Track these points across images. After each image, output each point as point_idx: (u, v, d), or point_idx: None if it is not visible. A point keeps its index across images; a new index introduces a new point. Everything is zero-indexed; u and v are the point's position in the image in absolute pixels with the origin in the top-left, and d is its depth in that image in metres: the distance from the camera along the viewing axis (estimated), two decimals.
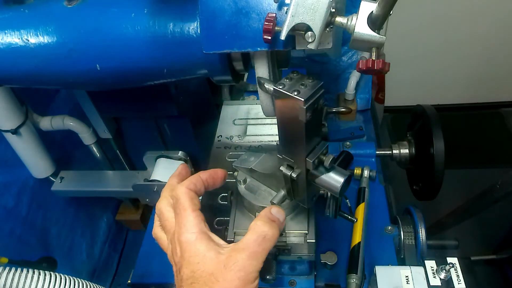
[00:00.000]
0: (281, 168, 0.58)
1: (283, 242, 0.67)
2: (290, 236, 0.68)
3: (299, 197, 0.62)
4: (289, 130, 0.53)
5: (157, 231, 0.56)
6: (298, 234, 0.68)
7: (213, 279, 0.45)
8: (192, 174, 1.02)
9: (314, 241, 0.66)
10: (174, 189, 0.54)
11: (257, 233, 0.49)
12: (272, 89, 0.51)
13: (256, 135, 0.93)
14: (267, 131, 0.93)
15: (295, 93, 0.47)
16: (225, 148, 0.90)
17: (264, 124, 0.96)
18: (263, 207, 0.63)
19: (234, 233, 0.66)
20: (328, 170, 0.56)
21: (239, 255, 0.47)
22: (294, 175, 0.57)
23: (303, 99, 0.46)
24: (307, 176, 0.57)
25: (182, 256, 0.48)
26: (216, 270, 0.46)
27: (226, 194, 0.74)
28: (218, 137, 0.93)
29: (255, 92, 1.25)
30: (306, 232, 0.67)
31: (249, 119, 0.98)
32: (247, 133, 0.94)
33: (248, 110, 1.01)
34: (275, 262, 0.70)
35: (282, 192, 0.63)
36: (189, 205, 0.51)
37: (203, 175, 0.58)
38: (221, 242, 0.50)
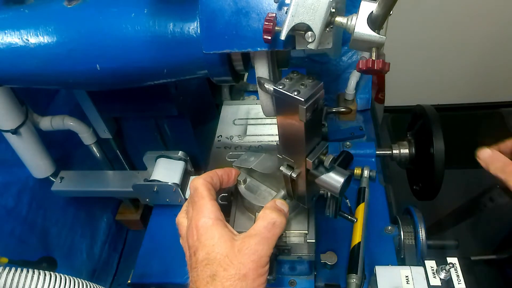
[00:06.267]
0: (281, 168, 0.58)
1: (283, 242, 0.67)
2: (290, 236, 0.68)
3: (299, 197, 0.62)
4: (289, 130, 0.53)
5: (181, 217, 0.59)
6: (298, 234, 0.68)
7: (228, 261, 0.48)
8: (193, 174, 1.03)
9: (314, 241, 0.66)
10: (192, 181, 0.57)
11: (267, 220, 0.52)
12: (272, 89, 0.51)
13: (256, 135, 0.93)
14: (267, 131, 0.93)
15: (295, 93, 0.47)
16: (225, 148, 0.90)
17: (264, 124, 0.96)
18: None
19: None
20: (328, 170, 0.56)
21: (251, 240, 0.50)
22: (294, 175, 0.57)
23: (303, 99, 0.46)
24: (307, 176, 0.57)
25: (198, 239, 0.51)
26: (230, 253, 0.49)
27: (226, 194, 0.74)
28: (218, 137, 0.93)
29: (255, 92, 1.25)
30: (306, 232, 0.67)
31: (249, 119, 0.98)
32: (247, 133, 0.94)
33: (248, 110, 1.01)
34: (275, 262, 0.70)
35: (282, 192, 0.63)
36: (206, 194, 0.55)
37: (219, 171, 0.62)
38: (235, 231, 0.53)
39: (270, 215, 0.53)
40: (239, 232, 0.53)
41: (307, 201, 0.62)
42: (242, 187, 0.68)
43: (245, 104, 1.04)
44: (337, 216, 0.68)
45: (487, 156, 0.67)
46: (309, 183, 0.58)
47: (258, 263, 0.49)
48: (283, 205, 0.57)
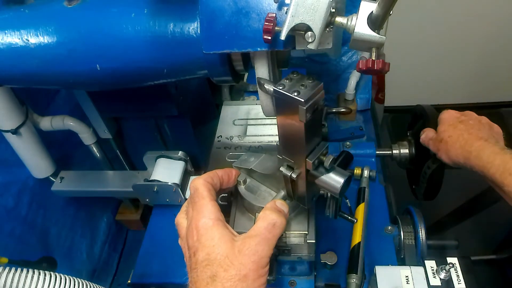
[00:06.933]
0: (281, 168, 0.58)
1: (283, 242, 0.67)
2: (290, 237, 0.68)
3: (299, 197, 0.62)
4: (289, 131, 0.53)
5: (180, 217, 0.58)
6: (298, 234, 0.68)
7: (228, 262, 0.48)
8: (193, 174, 1.03)
9: (314, 241, 0.66)
10: (192, 181, 0.57)
11: (267, 221, 0.52)
12: (272, 89, 0.51)
13: (256, 136, 0.93)
14: (267, 132, 0.93)
15: (295, 94, 0.47)
16: (225, 149, 0.89)
17: (264, 124, 0.95)
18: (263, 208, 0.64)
19: None
20: (328, 170, 0.56)
21: (252, 241, 0.50)
22: (294, 175, 0.57)
23: (303, 100, 0.46)
24: (307, 176, 0.57)
25: (199, 240, 0.51)
26: (230, 254, 0.49)
27: (226, 195, 0.73)
28: (218, 137, 0.93)
29: (255, 93, 1.25)
30: (306, 232, 0.67)
31: (249, 119, 0.98)
32: (247, 134, 0.93)
33: (248, 111, 1.01)
34: (276, 263, 0.69)
35: (282, 193, 0.63)
36: (207, 195, 0.54)
37: (219, 172, 0.61)
38: (235, 232, 0.53)
39: (270, 216, 0.53)
40: (239, 233, 0.53)
41: (307, 201, 0.62)
42: (242, 188, 0.68)
43: (245, 105, 1.03)
44: (337, 217, 0.67)
45: (421, 135, 0.89)
46: (309, 184, 0.58)
47: (259, 264, 0.49)
48: (283, 205, 0.57)
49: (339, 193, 0.56)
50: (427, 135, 0.87)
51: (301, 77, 0.50)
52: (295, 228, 0.68)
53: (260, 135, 0.93)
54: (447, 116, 0.84)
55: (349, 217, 0.69)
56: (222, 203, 0.74)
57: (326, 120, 1.14)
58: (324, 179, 0.56)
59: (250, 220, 0.68)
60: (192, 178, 0.99)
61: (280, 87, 0.49)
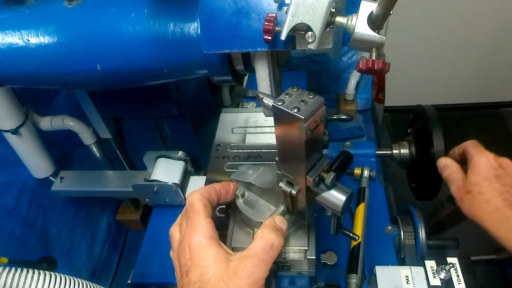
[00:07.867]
0: (280, 184, 0.56)
1: (282, 258, 0.64)
2: (289, 252, 0.64)
3: (299, 212, 0.60)
4: (288, 147, 0.51)
5: (174, 230, 0.57)
6: (298, 250, 0.64)
7: (223, 284, 0.46)
8: (193, 174, 1.02)
9: (314, 257, 0.63)
10: (189, 196, 0.55)
11: (265, 241, 0.50)
12: (271, 104, 0.49)
13: (255, 144, 0.90)
14: (267, 140, 0.89)
15: (295, 111, 0.45)
16: (223, 158, 0.87)
17: (264, 132, 0.92)
18: (262, 223, 0.60)
19: (232, 248, 0.63)
20: (329, 187, 0.54)
21: (248, 262, 0.47)
22: (293, 192, 0.54)
23: (303, 117, 0.44)
24: (307, 193, 0.55)
25: (191, 259, 0.49)
26: (225, 275, 0.46)
27: (224, 207, 0.71)
28: (216, 146, 0.90)
29: (254, 99, 1.24)
30: (306, 248, 0.64)
31: (248, 127, 0.95)
32: (246, 142, 0.91)
33: (247, 118, 0.97)
34: (274, 280, 0.67)
35: (282, 208, 0.60)
36: (202, 211, 0.52)
37: (217, 186, 0.59)
38: (230, 251, 0.51)
39: (268, 235, 0.50)
40: (237, 248, 0.51)
41: (307, 217, 0.59)
42: (240, 202, 0.65)
43: (244, 112, 1.00)
44: (338, 234, 0.65)
45: (442, 165, 0.78)
46: (310, 200, 0.56)
47: (254, 287, 0.47)
48: (282, 222, 0.55)
49: (340, 211, 0.54)
50: (453, 173, 0.75)
51: (301, 92, 0.48)
52: (295, 244, 0.64)
53: (260, 144, 0.90)
54: (484, 162, 0.70)
55: (351, 234, 0.66)
56: (220, 215, 0.71)
57: (326, 128, 1.10)
58: (325, 197, 0.54)
59: (248, 234, 0.65)
60: (192, 178, 0.99)
61: (280, 103, 0.46)
